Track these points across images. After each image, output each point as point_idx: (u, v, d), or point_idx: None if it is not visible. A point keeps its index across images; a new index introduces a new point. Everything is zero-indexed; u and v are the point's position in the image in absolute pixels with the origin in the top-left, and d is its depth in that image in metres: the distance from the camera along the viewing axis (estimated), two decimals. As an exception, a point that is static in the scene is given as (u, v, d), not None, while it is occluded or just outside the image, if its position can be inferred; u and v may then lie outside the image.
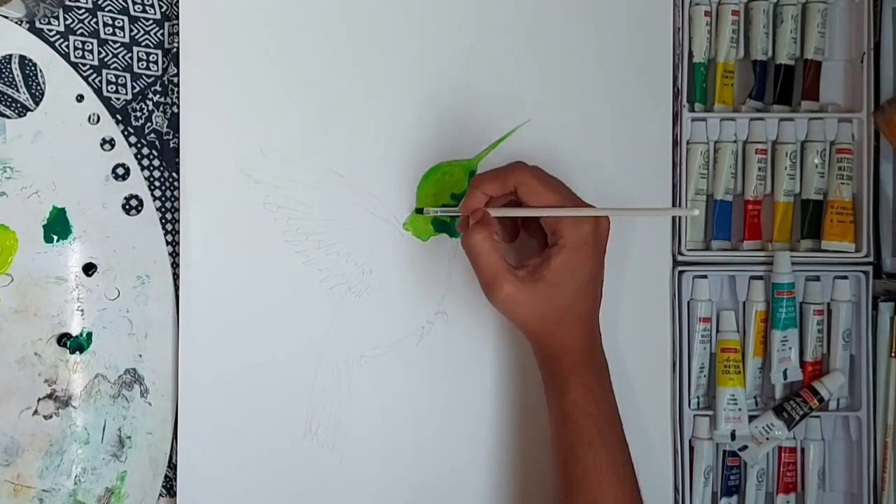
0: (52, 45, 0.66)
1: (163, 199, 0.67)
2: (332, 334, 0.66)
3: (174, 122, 0.66)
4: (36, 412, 0.65)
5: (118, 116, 0.67)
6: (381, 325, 0.66)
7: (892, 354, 0.67)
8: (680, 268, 0.67)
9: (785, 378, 0.67)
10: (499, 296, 0.56)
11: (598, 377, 0.59)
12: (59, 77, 0.66)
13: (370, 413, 0.66)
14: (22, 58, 0.66)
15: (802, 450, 0.68)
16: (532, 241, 0.62)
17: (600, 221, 0.58)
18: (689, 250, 0.67)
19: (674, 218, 0.67)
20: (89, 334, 0.66)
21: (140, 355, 0.66)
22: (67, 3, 0.66)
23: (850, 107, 0.68)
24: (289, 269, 0.66)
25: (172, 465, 0.66)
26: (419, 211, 0.63)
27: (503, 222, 0.61)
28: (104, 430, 0.66)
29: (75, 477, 0.66)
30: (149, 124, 0.67)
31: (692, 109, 0.68)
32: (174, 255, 0.66)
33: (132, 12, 0.67)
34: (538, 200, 0.57)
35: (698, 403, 0.67)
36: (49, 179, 0.66)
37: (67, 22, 0.66)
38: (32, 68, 0.66)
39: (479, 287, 0.63)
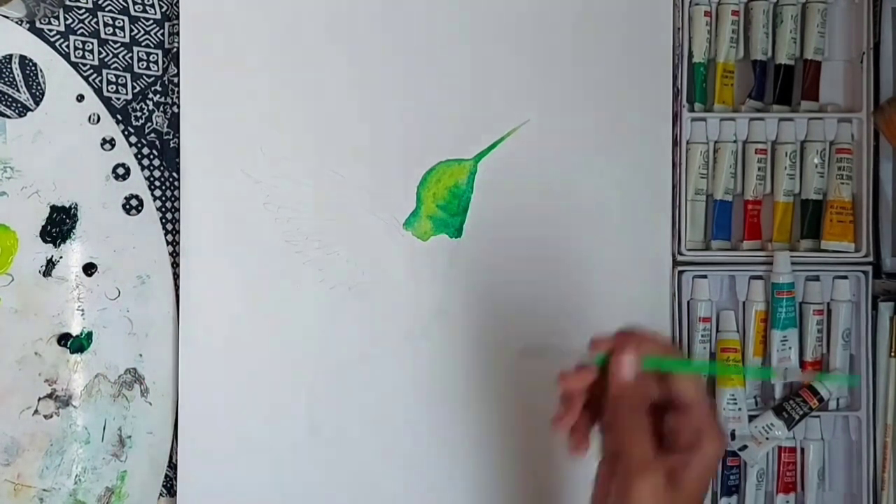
0: (52, 45, 0.66)
1: (163, 199, 0.67)
2: (332, 334, 0.66)
3: (174, 122, 0.66)
4: (36, 412, 0.65)
5: (118, 116, 0.67)
6: (381, 325, 0.66)
7: (892, 354, 0.67)
8: (680, 268, 0.67)
9: (785, 378, 0.67)
10: (642, 486, 0.48)
11: None
12: (59, 77, 0.66)
13: (370, 413, 0.66)
14: (22, 58, 0.66)
15: (802, 450, 0.68)
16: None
17: (725, 439, 0.53)
18: (689, 250, 0.67)
19: (674, 218, 0.67)
20: (89, 334, 0.66)
21: (140, 355, 0.66)
22: (67, 3, 0.66)
23: (850, 107, 0.68)
24: (289, 269, 0.66)
25: (172, 465, 0.66)
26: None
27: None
28: (104, 429, 0.66)
29: (76, 476, 0.66)
30: (149, 124, 0.67)
31: (692, 109, 0.68)
32: (174, 255, 0.66)
33: (132, 12, 0.67)
34: (693, 394, 0.50)
35: (698, 403, 0.67)
36: (49, 179, 0.66)
37: (68, 22, 0.66)
38: (33, 68, 0.66)
39: (480, 288, 0.62)
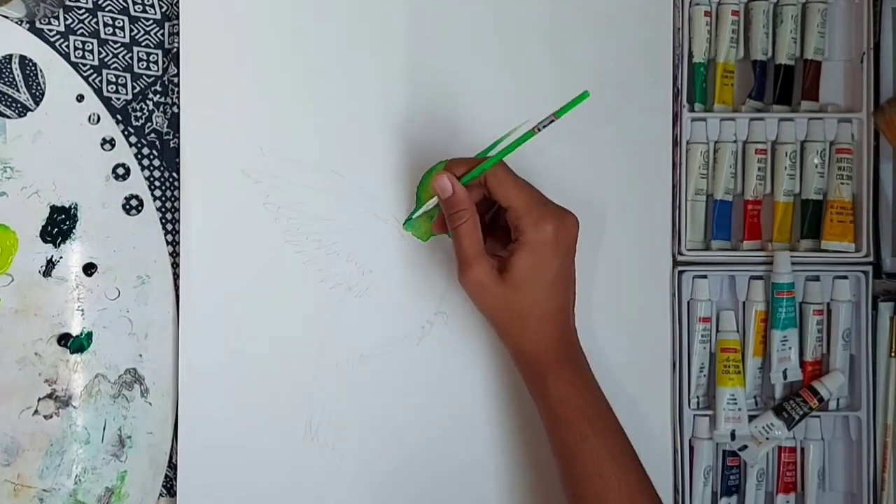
0: (52, 45, 0.66)
1: (163, 199, 0.67)
2: (332, 334, 0.66)
3: (174, 122, 0.66)
4: (36, 412, 0.65)
5: (118, 116, 0.67)
6: (381, 325, 0.66)
7: (892, 354, 0.67)
8: (680, 268, 0.67)
9: (785, 378, 0.67)
10: (469, 277, 0.57)
11: (578, 371, 0.59)
12: (59, 77, 0.66)
13: (370, 413, 0.66)
14: (22, 58, 0.66)
15: (802, 450, 0.68)
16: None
17: (565, 221, 0.58)
18: (688, 250, 0.67)
19: (674, 218, 0.67)
20: (89, 334, 0.66)
21: (140, 355, 0.66)
22: (67, 3, 0.66)
23: (850, 107, 0.68)
24: (289, 269, 0.66)
25: (172, 465, 0.66)
26: (408, 222, 0.62)
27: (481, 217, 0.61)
28: (104, 429, 0.66)
29: (75, 477, 0.66)
30: (149, 124, 0.67)
31: (692, 109, 0.68)
32: (174, 255, 0.66)
33: (132, 12, 0.67)
34: (504, 194, 0.57)
35: (698, 403, 0.67)
36: (49, 179, 0.66)
37: (67, 22, 0.66)
38: (32, 68, 0.66)
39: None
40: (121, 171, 0.67)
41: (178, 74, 0.66)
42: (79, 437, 0.66)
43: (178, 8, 0.66)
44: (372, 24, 0.66)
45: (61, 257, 0.66)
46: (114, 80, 0.67)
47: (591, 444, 0.57)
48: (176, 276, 0.66)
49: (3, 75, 0.66)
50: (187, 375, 0.66)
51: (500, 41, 0.67)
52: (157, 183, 0.67)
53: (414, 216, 0.62)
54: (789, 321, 0.66)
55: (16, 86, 0.66)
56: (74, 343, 0.66)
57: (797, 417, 0.66)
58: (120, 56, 0.67)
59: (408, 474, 0.66)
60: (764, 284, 0.67)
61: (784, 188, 0.68)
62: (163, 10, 0.67)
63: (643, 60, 0.67)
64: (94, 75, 0.66)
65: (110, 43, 0.67)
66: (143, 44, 0.67)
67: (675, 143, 0.67)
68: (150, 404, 0.66)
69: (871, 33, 0.67)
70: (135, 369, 0.66)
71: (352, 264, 0.66)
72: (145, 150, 0.67)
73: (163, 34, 0.67)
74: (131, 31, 0.67)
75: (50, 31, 0.66)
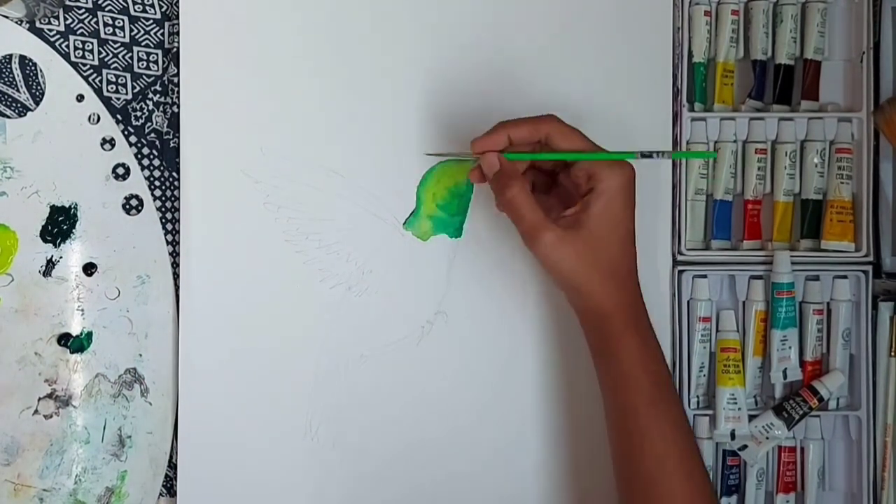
0: (52, 45, 0.66)
1: (163, 199, 0.67)
2: (332, 334, 0.66)
3: (174, 122, 0.66)
4: (36, 412, 0.65)
5: (118, 116, 0.67)
6: (381, 325, 0.66)
7: (892, 354, 0.67)
8: (680, 267, 0.67)
9: (785, 378, 0.67)
10: (541, 245, 0.55)
11: (650, 332, 0.58)
12: (59, 77, 0.66)
13: (370, 413, 0.66)
14: (22, 58, 0.66)
15: (802, 449, 0.68)
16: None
17: (631, 169, 0.56)
18: (688, 250, 0.67)
19: (674, 217, 0.67)
20: (89, 334, 0.66)
21: (140, 355, 0.66)
22: (67, 3, 0.66)
23: (850, 106, 0.68)
24: (289, 269, 0.66)
25: (172, 465, 0.66)
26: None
27: (537, 175, 0.60)
28: (104, 429, 0.66)
29: (76, 476, 0.66)
30: (149, 124, 0.67)
31: (692, 109, 0.68)
32: (174, 255, 0.66)
33: (132, 12, 0.67)
34: (570, 144, 0.56)
35: (698, 403, 0.67)
36: (49, 179, 0.66)
37: (67, 22, 0.66)
38: (32, 68, 0.66)
39: (482, 284, 0.63)
40: (121, 171, 0.67)
41: (178, 74, 0.66)
42: (79, 437, 0.66)
43: (178, 8, 0.66)
44: (372, 24, 0.66)
45: (61, 257, 0.66)
46: (114, 79, 0.67)
47: (658, 409, 0.56)
48: (176, 276, 0.66)
49: (3, 75, 0.66)
50: (187, 375, 0.66)
51: (499, 41, 0.67)
52: (157, 183, 0.67)
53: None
54: (789, 321, 0.66)
55: (16, 86, 0.66)
56: (74, 343, 0.66)
57: (797, 417, 0.66)
58: (120, 56, 0.67)
59: (408, 474, 0.66)
60: (764, 284, 0.67)
61: (784, 188, 0.68)
62: (163, 10, 0.67)
63: (643, 60, 0.67)
64: (94, 75, 0.66)
65: (110, 43, 0.67)
66: (143, 44, 0.67)
67: (675, 142, 0.67)
68: (150, 404, 0.66)
69: (871, 33, 0.67)
70: (135, 369, 0.66)
71: (352, 264, 0.66)
72: (145, 150, 0.67)
73: (163, 34, 0.67)
74: (131, 30, 0.67)
75: (50, 31, 0.66)
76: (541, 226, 0.55)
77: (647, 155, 0.57)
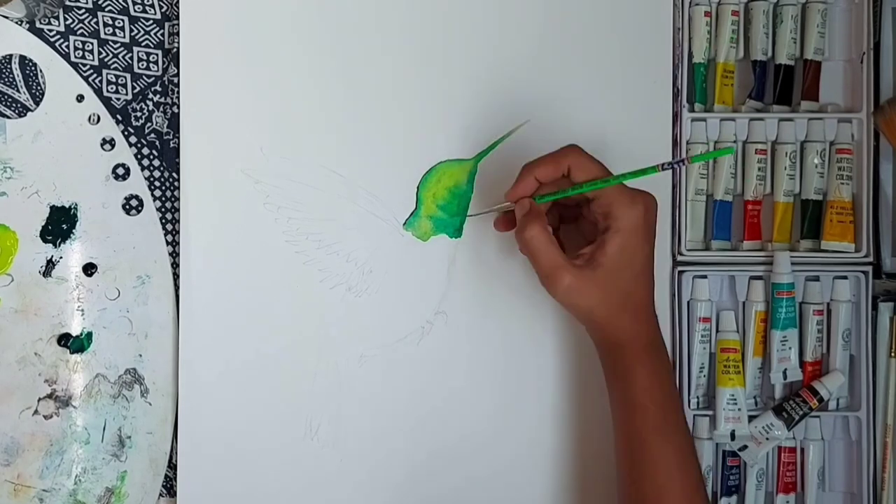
0: (52, 45, 0.66)
1: (163, 199, 0.67)
2: (331, 334, 0.66)
3: (174, 122, 0.66)
4: (36, 412, 0.65)
5: (118, 116, 0.67)
6: (381, 325, 0.66)
7: (892, 354, 0.67)
8: (680, 268, 0.67)
9: (785, 378, 0.67)
10: (560, 288, 0.56)
11: (663, 363, 0.59)
12: (59, 77, 0.66)
13: (370, 413, 0.66)
14: (22, 58, 0.66)
15: (802, 450, 0.68)
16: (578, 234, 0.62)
17: (649, 202, 0.57)
18: (688, 250, 0.67)
19: (674, 217, 0.67)
20: (89, 334, 0.66)
21: (140, 355, 0.66)
22: (67, 3, 0.66)
23: (850, 107, 0.68)
24: (289, 269, 0.66)
25: (172, 465, 0.66)
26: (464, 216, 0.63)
27: (549, 211, 0.61)
28: (104, 429, 0.66)
29: (75, 477, 0.66)
30: (149, 124, 0.67)
31: (692, 109, 0.68)
32: (174, 255, 0.66)
33: (132, 12, 0.67)
34: (589, 177, 0.57)
35: (698, 403, 0.67)
36: (49, 179, 0.66)
37: (67, 22, 0.66)
38: (32, 68, 0.66)
39: (482, 285, 0.63)
40: (121, 171, 0.67)
41: (178, 74, 0.66)
42: (79, 437, 0.66)
43: (178, 8, 0.66)
44: (372, 24, 0.66)
45: (61, 257, 0.66)
46: (114, 80, 0.67)
47: (662, 437, 0.57)
48: (176, 276, 0.66)
49: (3, 75, 0.66)
50: (187, 375, 0.66)
51: (499, 41, 0.67)
52: (157, 183, 0.67)
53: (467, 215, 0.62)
54: (789, 321, 0.66)
55: (16, 86, 0.66)
56: (74, 343, 0.66)
57: (797, 417, 0.66)
58: (120, 56, 0.67)
59: (407, 474, 0.66)
60: (764, 284, 0.67)
61: (784, 188, 0.68)
62: (163, 10, 0.67)
63: (643, 60, 0.67)
64: (94, 75, 0.66)
65: (110, 43, 0.67)
66: (143, 44, 0.67)
67: (675, 142, 0.67)
68: (150, 404, 0.66)
69: (871, 33, 0.67)
70: (135, 369, 0.66)
71: (352, 264, 0.66)
72: (145, 151, 0.67)
73: (163, 34, 0.67)
74: (131, 31, 0.67)
75: (50, 31, 0.66)
76: (558, 268, 0.56)
77: (667, 167, 0.57)
